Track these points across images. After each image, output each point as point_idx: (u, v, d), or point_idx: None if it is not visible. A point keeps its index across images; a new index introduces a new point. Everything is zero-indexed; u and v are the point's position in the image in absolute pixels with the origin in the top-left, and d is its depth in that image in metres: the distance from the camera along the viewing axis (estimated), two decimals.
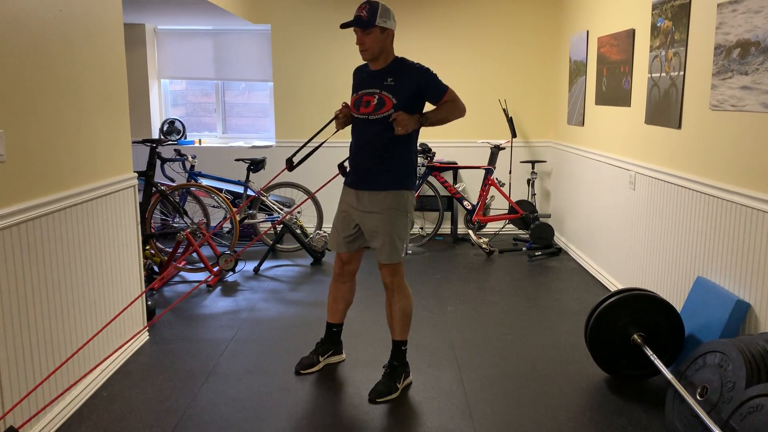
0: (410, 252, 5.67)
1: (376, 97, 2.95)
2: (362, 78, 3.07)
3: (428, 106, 3.00)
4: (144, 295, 3.68)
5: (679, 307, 3.40)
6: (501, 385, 3.12)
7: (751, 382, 2.27)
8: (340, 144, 3.61)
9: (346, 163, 3.15)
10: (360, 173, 3.03)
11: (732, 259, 2.96)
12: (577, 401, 2.96)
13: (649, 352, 2.92)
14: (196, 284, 4.75)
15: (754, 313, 2.79)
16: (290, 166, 3.19)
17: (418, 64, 3.00)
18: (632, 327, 3.04)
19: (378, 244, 2.97)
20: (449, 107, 2.99)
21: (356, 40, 2.95)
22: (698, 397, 2.49)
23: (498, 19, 6.11)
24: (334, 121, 3.13)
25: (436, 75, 2.98)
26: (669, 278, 3.61)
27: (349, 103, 3.10)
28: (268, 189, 5.70)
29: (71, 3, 2.84)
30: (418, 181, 5.73)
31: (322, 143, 3.39)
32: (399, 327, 3.06)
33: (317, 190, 3.70)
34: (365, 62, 3.07)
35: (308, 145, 3.30)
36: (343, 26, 2.95)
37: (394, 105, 2.91)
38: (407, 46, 6.08)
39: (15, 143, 2.44)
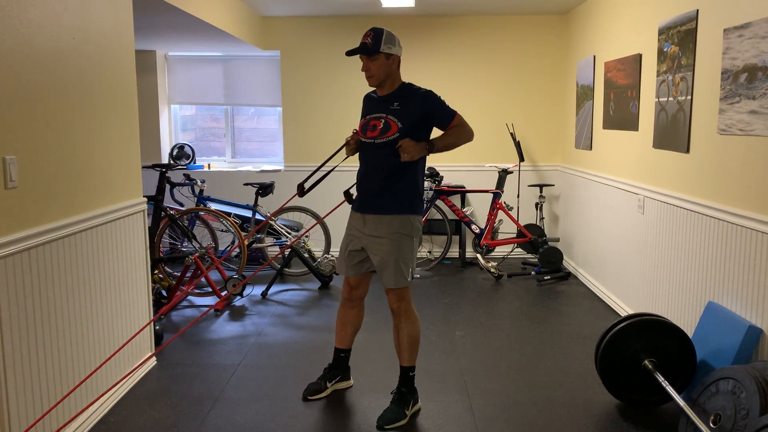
0: (417, 276, 5.65)
1: (383, 121, 2.98)
2: (370, 103, 3.11)
3: (436, 131, 3.01)
4: (152, 318, 3.67)
5: (690, 333, 3.37)
6: (511, 412, 3.08)
7: (765, 409, 2.24)
8: (348, 168, 3.62)
9: (353, 190, 3.17)
10: (367, 197, 3.04)
11: (743, 284, 2.93)
12: (587, 428, 2.92)
13: (660, 378, 2.89)
14: (206, 309, 4.75)
15: (766, 339, 2.76)
16: (301, 191, 3.22)
17: (424, 89, 3.02)
18: (643, 353, 3.00)
19: (383, 269, 2.96)
20: (457, 132, 2.99)
21: (362, 67, 2.98)
22: (711, 425, 2.45)
23: (505, 44, 6.16)
24: (345, 148, 3.15)
25: (443, 100, 3.00)
26: (679, 303, 3.57)
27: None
28: (277, 213, 5.71)
29: (84, 31, 2.89)
30: (425, 205, 5.74)
31: (333, 168, 3.43)
32: (407, 353, 3.04)
33: (326, 215, 3.72)
34: (374, 90, 3.10)
35: (320, 170, 3.33)
36: (349, 53, 2.98)
37: (399, 129, 2.92)
38: (415, 71, 6.13)
39: (27, 168, 2.46)
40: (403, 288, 2.98)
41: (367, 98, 3.17)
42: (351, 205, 3.14)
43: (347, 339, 3.28)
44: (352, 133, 3.13)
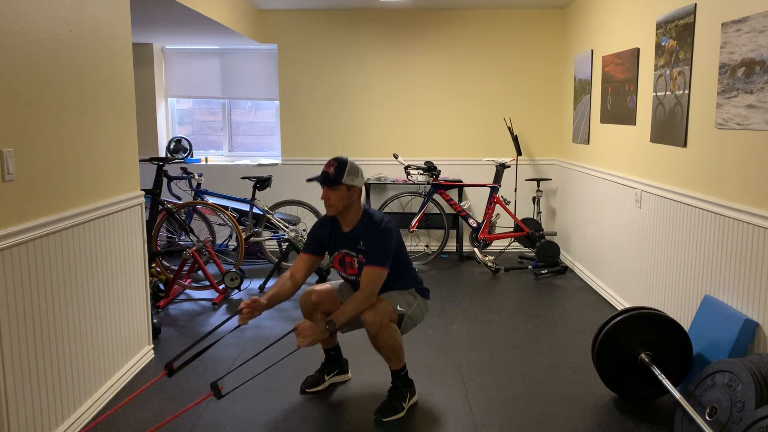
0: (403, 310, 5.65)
1: (356, 260, 3.00)
2: (336, 236, 3.04)
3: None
4: (149, 312, 3.68)
5: (686, 326, 3.38)
6: (508, 405, 3.09)
7: (760, 402, 2.25)
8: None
9: (221, 383, 2.72)
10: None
11: (740, 277, 2.94)
12: (584, 421, 2.93)
13: (657, 371, 2.90)
14: (203, 300, 4.75)
15: (762, 333, 2.77)
16: (170, 371, 2.68)
17: (383, 224, 2.94)
18: (640, 346, 3.02)
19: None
20: (360, 299, 2.82)
21: (322, 195, 2.93)
22: (707, 418, 2.46)
23: (503, 38, 6.15)
24: (237, 316, 2.86)
25: (388, 245, 2.90)
26: (676, 297, 3.59)
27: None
28: (274, 207, 5.71)
29: (81, 23, 2.88)
30: (423, 199, 5.74)
31: (215, 343, 3.09)
32: (393, 360, 3.00)
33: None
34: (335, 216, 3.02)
35: (197, 346, 2.92)
36: (309, 180, 2.96)
37: None
38: (412, 66, 6.13)
39: (24, 161, 2.46)
40: (387, 304, 2.92)
41: (329, 225, 3.06)
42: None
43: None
44: (250, 300, 2.86)
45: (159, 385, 3.30)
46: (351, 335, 3.73)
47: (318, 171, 6.16)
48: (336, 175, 2.87)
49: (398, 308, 2.96)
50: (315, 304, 3.11)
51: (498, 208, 6.05)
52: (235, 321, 2.82)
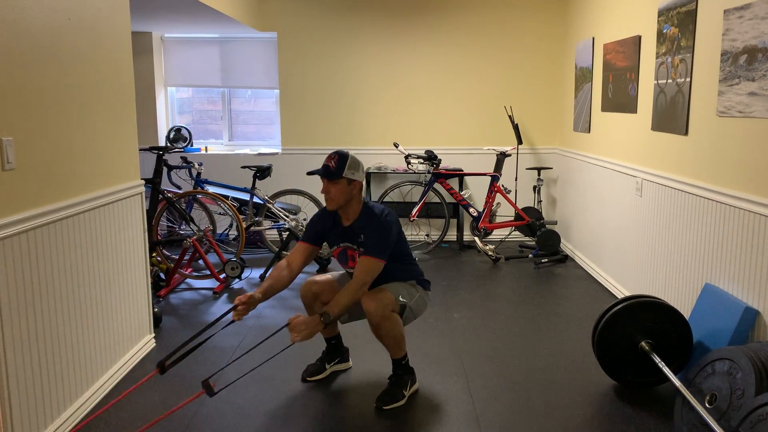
0: (404, 301, 5.66)
1: (357, 254, 2.98)
2: (337, 229, 3.04)
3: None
4: (150, 300, 3.68)
5: (687, 314, 3.39)
6: (508, 393, 3.10)
7: (760, 389, 2.26)
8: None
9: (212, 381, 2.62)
10: None
11: (740, 265, 2.94)
12: (584, 409, 2.95)
13: (657, 359, 2.91)
14: (205, 289, 4.75)
15: (762, 321, 2.78)
16: (162, 369, 2.61)
17: (383, 216, 2.94)
18: (640, 334, 3.02)
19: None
20: (353, 288, 2.81)
21: (322, 188, 2.92)
22: (707, 405, 2.47)
23: (504, 26, 6.12)
24: (232, 312, 2.83)
25: (387, 237, 2.89)
26: (676, 285, 3.59)
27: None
28: (274, 196, 5.71)
29: (80, 12, 2.86)
30: (424, 188, 5.73)
31: (206, 341, 3.05)
32: (394, 348, 3.00)
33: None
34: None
35: (189, 343, 2.77)
36: (310, 173, 2.95)
37: None
38: (412, 54, 6.10)
39: (24, 150, 2.45)
40: (389, 294, 2.92)
41: (329, 218, 3.06)
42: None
43: (328, 329, 3.23)
44: (246, 297, 2.82)
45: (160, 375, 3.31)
46: (352, 325, 3.73)
47: (318, 160, 6.15)
48: (337, 168, 2.86)
49: (400, 299, 2.96)
50: (316, 294, 3.11)
51: (498, 197, 6.04)
52: (229, 317, 2.83)
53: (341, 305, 2.79)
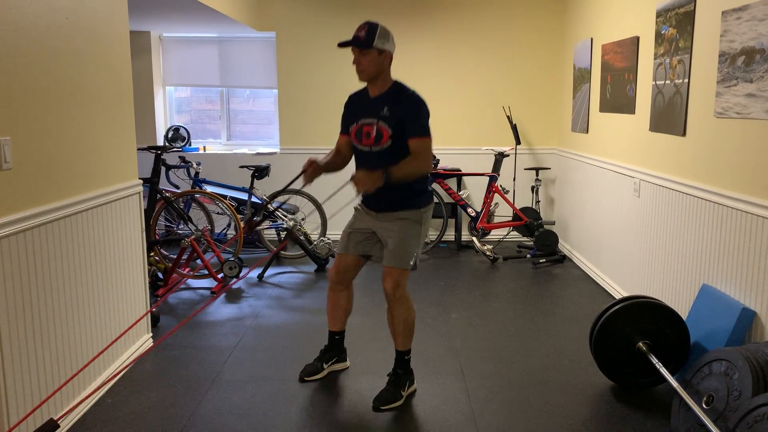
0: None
1: (375, 128, 2.93)
2: (360, 103, 3.04)
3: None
4: (148, 300, 3.68)
5: (684, 315, 3.39)
6: (506, 394, 3.11)
7: (757, 390, 2.26)
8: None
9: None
10: (372, 201, 3.04)
11: (737, 266, 2.95)
12: (582, 409, 2.95)
13: (654, 360, 2.91)
14: (201, 289, 4.75)
15: (760, 321, 2.78)
16: (251, 227, 2.90)
17: (414, 94, 2.93)
18: (637, 335, 3.03)
19: (388, 247, 2.96)
20: (418, 162, 2.86)
21: (353, 60, 2.92)
22: (704, 406, 2.47)
23: (502, 26, 6.12)
24: (302, 176, 3.02)
25: (424, 113, 2.90)
26: (674, 286, 3.60)
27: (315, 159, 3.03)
28: (273, 196, 5.70)
29: (78, 11, 2.86)
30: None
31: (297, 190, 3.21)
32: (401, 338, 3.04)
33: (325, 200, 3.68)
34: (364, 87, 3.04)
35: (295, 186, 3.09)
36: (341, 45, 2.91)
37: (391, 136, 2.89)
38: (411, 53, 6.10)
39: (21, 150, 2.45)
40: (401, 271, 2.96)
41: (356, 98, 3.08)
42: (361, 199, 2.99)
43: (339, 321, 3.29)
44: (308, 162, 3.00)
45: (158, 373, 3.31)
46: (350, 324, 3.71)
47: None
48: (367, 38, 2.84)
49: (413, 262, 2.99)
50: (344, 272, 3.17)
51: (497, 197, 6.04)
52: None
53: (403, 171, 2.84)
